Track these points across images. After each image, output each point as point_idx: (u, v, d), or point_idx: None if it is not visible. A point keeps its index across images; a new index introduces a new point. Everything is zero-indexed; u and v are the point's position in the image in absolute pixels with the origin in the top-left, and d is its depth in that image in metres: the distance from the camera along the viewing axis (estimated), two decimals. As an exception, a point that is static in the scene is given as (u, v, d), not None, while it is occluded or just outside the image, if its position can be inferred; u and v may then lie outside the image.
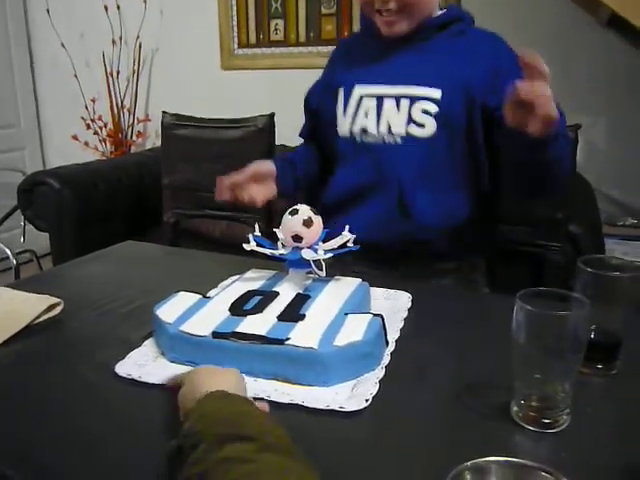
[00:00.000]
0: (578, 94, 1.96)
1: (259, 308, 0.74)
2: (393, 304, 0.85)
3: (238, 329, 0.69)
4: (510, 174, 0.99)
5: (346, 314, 0.73)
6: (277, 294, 0.78)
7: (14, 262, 2.26)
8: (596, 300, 0.57)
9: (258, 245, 0.83)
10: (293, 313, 0.73)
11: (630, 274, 0.65)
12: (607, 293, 0.64)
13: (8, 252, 2.26)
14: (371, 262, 1.01)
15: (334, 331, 0.68)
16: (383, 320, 0.72)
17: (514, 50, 1.00)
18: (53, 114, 3.00)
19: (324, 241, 0.82)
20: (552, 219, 1.58)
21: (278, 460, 0.42)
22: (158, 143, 2.44)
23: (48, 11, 2.72)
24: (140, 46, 2.58)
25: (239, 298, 0.77)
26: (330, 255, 0.80)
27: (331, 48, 1.21)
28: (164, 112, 2.22)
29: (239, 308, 0.74)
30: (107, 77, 2.63)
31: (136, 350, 0.73)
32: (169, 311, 0.75)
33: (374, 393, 0.62)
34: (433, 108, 0.97)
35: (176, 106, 2.27)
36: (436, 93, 0.97)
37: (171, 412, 0.58)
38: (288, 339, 0.66)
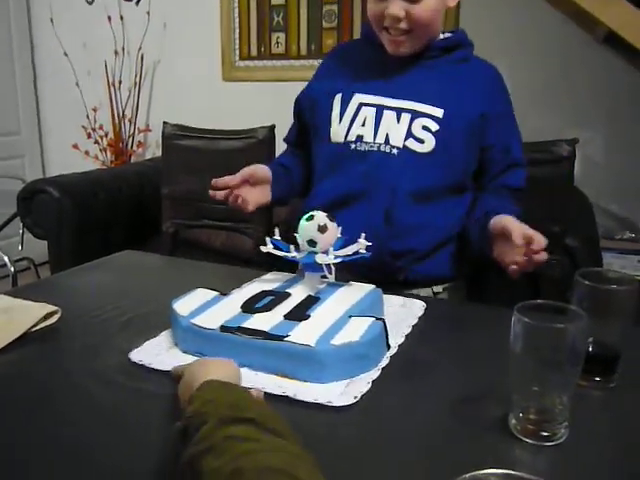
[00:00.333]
0: (576, 109, 1.98)
1: (269, 307, 0.77)
2: (405, 311, 0.87)
3: (244, 324, 0.72)
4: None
5: (350, 317, 0.75)
6: (289, 295, 0.81)
7: (12, 269, 2.25)
8: (593, 313, 0.57)
9: (275, 248, 0.86)
10: (299, 313, 0.75)
11: (627, 287, 0.65)
12: (604, 306, 0.65)
13: (6, 259, 2.26)
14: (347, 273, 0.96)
15: (334, 331, 0.70)
16: (385, 324, 0.74)
17: (507, 89, 1.05)
18: (54, 122, 3.01)
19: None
20: (549, 232, 1.57)
21: (278, 440, 0.45)
22: (158, 153, 2.45)
23: (52, 20, 2.75)
24: (142, 57, 2.60)
25: (252, 297, 0.81)
26: (340, 260, 0.83)
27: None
28: (165, 122, 2.24)
29: (250, 306, 0.78)
30: (109, 87, 2.65)
31: (152, 340, 0.77)
32: (185, 305, 0.79)
33: (364, 392, 0.65)
34: (434, 126, 0.97)
35: (177, 117, 2.28)
36: (438, 112, 0.97)
37: (168, 417, 0.58)
38: (288, 336, 0.69)
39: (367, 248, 0.83)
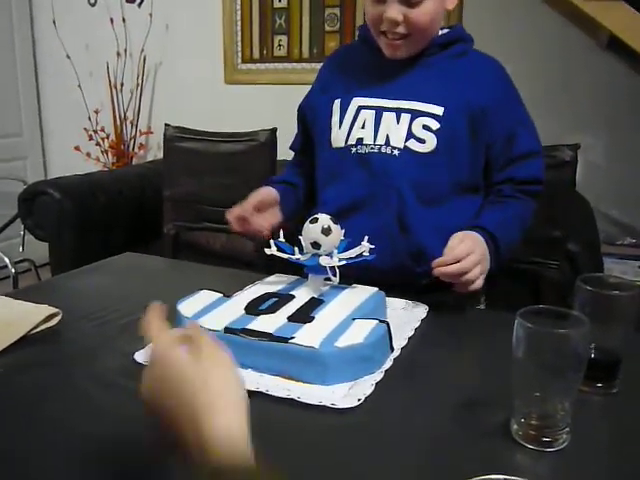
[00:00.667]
0: (578, 114, 1.98)
1: (273, 309, 0.77)
2: (408, 314, 0.87)
3: (249, 326, 0.72)
4: None
5: (354, 319, 0.75)
6: (293, 297, 0.82)
7: (12, 271, 2.26)
8: (594, 319, 0.57)
9: (279, 250, 0.86)
10: (303, 315, 0.76)
11: (628, 293, 0.65)
12: (605, 312, 0.64)
13: (7, 261, 2.26)
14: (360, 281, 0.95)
15: (338, 333, 0.70)
16: (389, 327, 0.74)
17: (510, 80, 1.03)
18: (56, 124, 3.01)
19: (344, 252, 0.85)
20: (550, 237, 1.59)
21: None
22: (160, 155, 2.45)
23: (54, 22, 2.76)
24: (144, 59, 2.61)
25: (256, 299, 0.81)
26: (344, 262, 0.83)
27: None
28: (167, 125, 2.24)
29: (254, 308, 0.78)
30: (111, 89, 2.65)
31: None
32: (189, 306, 0.79)
33: (367, 394, 0.65)
34: (435, 124, 0.96)
35: (179, 119, 2.28)
36: (438, 110, 0.96)
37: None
38: (292, 338, 0.69)
39: (370, 251, 0.83)
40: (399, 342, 0.77)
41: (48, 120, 3.04)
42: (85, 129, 2.76)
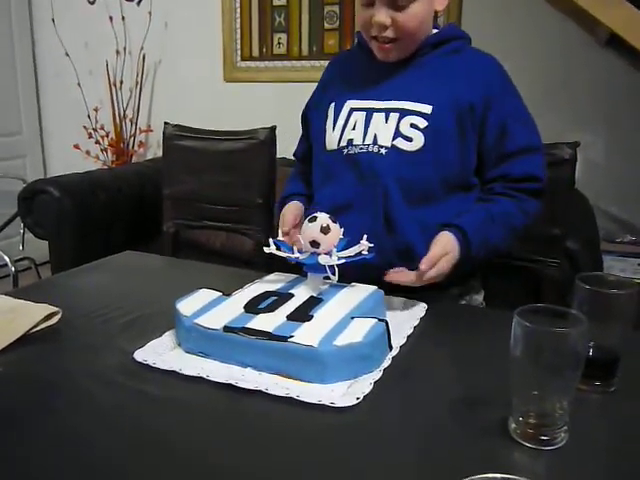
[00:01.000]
0: (578, 112, 1.98)
1: (272, 308, 0.78)
2: (407, 313, 0.88)
3: (248, 325, 0.73)
4: None
5: (353, 318, 0.75)
6: (292, 296, 0.82)
7: (12, 269, 2.26)
8: (593, 317, 0.57)
9: (277, 249, 0.87)
10: (302, 314, 0.76)
11: (627, 291, 0.65)
12: (604, 310, 0.65)
13: (7, 259, 2.26)
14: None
15: (337, 332, 0.71)
16: (387, 325, 0.74)
17: (506, 75, 1.02)
18: (55, 123, 3.01)
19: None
20: (550, 235, 1.59)
21: None
22: (159, 153, 2.45)
23: (53, 20, 2.75)
24: (144, 57, 2.61)
25: (255, 297, 0.81)
26: (343, 261, 0.83)
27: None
28: (166, 123, 2.24)
29: (253, 306, 0.78)
30: (110, 87, 2.65)
31: (155, 340, 0.78)
32: (188, 305, 0.80)
33: (366, 393, 0.65)
34: (422, 123, 0.96)
35: (178, 117, 2.28)
36: (427, 108, 0.96)
37: (169, 418, 0.58)
38: (291, 337, 0.69)
39: (369, 250, 0.84)
40: (398, 341, 0.77)
41: (47, 118, 3.03)
42: (85, 127, 2.76)
